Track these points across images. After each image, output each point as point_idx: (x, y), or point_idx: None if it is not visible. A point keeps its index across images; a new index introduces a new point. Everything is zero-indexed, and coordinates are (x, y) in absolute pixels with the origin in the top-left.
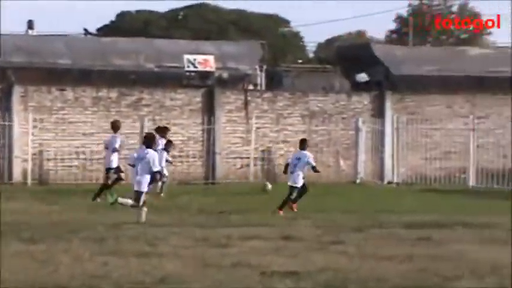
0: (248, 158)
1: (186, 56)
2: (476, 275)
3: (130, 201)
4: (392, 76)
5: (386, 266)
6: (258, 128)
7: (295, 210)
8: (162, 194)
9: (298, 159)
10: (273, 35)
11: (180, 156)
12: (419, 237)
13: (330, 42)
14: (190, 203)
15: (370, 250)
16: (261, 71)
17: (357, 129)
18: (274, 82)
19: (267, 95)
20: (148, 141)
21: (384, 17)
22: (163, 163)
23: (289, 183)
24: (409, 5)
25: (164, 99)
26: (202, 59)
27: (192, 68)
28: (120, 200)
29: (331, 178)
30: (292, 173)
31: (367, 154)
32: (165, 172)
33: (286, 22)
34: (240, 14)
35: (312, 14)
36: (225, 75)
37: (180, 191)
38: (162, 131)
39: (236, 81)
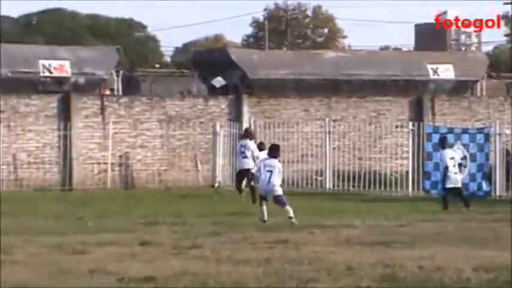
0: (106, 163)
1: (41, 62)
2: (332, 277)
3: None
4: (248, 80)
5: (243, 270)
6: (115, 133)
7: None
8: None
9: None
10: (129, 40)
11: (35, 162)
12: (276, 240)
13: (186, 46)
14: (46, 209)
15: (227, 254)
16: (117, 75)
17: (215, 134)
18: (131, 87)
19: (124, 100)
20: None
21: (241, 22)
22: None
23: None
24: (265, 9)
25: (19, 105)
26: (58, 65)
27: (47, 74)
28: None
29: (189, 183)
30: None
31: (225, 158)
32: None
33: (142, 26)
34: (96, 19)
35: (168, 18)
36: (81, 80)
37: (36, 197)
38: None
39: (92, 86)
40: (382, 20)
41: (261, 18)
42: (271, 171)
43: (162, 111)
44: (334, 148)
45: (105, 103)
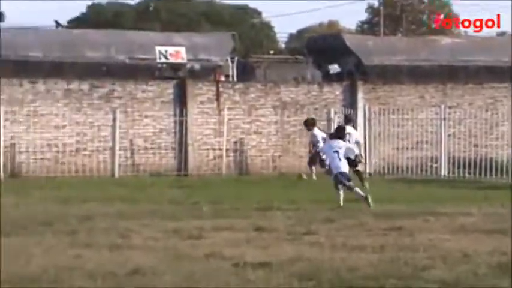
0: (220, 149)
1: (157, 48)
2: (448, 264)
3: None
4: (363, 66)
5: (357, 256)
6: (230, 119)
7: None
8: None
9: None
10: (244, 26)
11: (152, 148)
12: (391, 227)
13: (301, 32)
14: (162, 194)
15: (342, 240)
16: (232, 62)
17: (329, 120)
18: (245, 73)
19: (239, 86)
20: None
21: (355, 7)
22: None
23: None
24: None
25: (136, 91)
26: (174, 51)
27: (163, 60)
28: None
29: (302, 169)
30: None
31: None
32: None
33: (257, 13)
34: (211, 5)
35: (283, 5)
36: (196, 66)
37: (152, 182)
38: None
39: (208, 72)
40: (499, 5)
41: (376, 4)
42: (337, 152)
43: (276, 97)
44: (449, 135)
45: (221, 89)
